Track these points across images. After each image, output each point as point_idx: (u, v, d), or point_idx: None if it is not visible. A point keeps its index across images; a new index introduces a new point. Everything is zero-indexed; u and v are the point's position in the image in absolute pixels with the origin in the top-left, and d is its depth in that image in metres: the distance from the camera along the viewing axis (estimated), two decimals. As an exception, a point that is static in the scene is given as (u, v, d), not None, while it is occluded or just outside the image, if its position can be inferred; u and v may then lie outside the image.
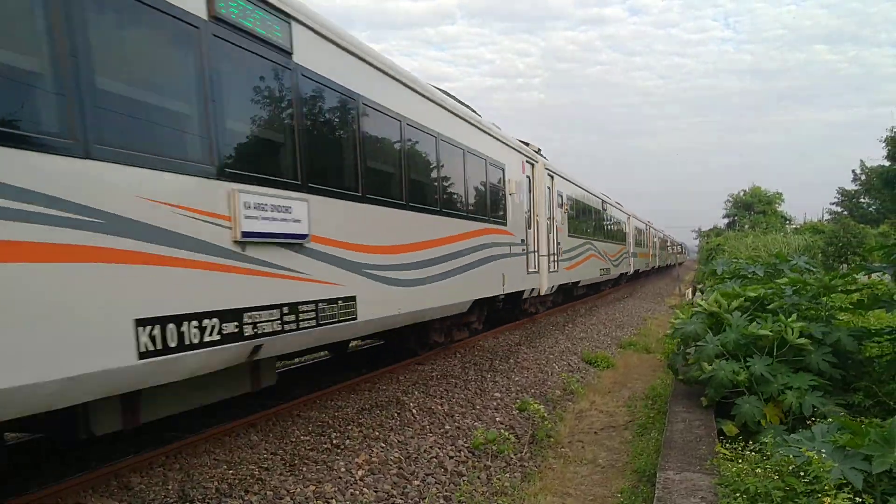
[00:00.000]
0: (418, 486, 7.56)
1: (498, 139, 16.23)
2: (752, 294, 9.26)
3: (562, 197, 22.59)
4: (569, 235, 23.50)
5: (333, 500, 6.89)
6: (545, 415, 9.98)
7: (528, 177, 18.69)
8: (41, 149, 4.96)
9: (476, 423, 9.97)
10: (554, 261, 21.12)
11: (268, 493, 6.82)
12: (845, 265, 30.33)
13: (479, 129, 14.81)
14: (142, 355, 5.69)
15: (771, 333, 7.79)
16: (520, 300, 18.81)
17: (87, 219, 5.25)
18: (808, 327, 7.81)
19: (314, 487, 7.06)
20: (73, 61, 5.23)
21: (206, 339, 6.43)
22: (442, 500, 7.31)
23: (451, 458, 8.56)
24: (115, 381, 5.58)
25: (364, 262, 9.46)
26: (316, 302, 8.23)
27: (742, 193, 62.67)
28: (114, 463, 7.36)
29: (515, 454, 8.90)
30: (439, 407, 10.46)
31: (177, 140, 6.38)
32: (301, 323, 7.94)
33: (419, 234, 11.41)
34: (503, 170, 16.31)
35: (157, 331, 5.85)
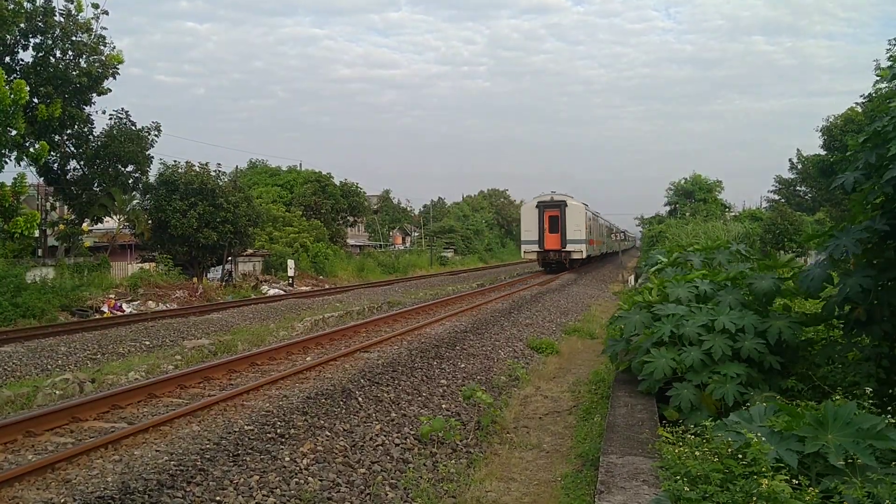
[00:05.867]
0: (364, 473, 7.54)
1: (589, 213, 44.99)
2: (688, 292, 9.15)
3: (583, 215, 43.50)
4: (577, 237, 42.68)
5: (278, 490, 6.83)
6: (491, 401, 10.04)
7: (589, 215, 45.76)
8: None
9: (422, 411, 9.97)
10: (581, 245, 42.93)
11: (210, 483, 6.72)
12: (782, 251, 31.11)
13: (601, 218, 52.72)
14: None
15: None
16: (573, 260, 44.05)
17: None
18: (740, 317, 7.94)
19: (258, 477, 6.99)
20: None
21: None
22: (388, 488, 7.30)
23: (397, 445, 8.55)
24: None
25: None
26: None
27: (683, 181, 63.62)
28: (50, 455, 7.17)
29: (461, 440, 8.93)
30: (386, 395, 10.43)
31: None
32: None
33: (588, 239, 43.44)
34: (593, 220, 47.07)
35: None
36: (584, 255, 42.73)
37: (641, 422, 7.25)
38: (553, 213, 41.75)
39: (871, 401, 5.70)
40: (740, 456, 4.82)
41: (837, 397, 5.93)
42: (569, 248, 41.47)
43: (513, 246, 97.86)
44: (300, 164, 59.33)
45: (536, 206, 42.40)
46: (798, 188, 61.54)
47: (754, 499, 4.19)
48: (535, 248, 42.38)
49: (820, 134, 47.00)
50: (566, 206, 41.56)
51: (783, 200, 57.41)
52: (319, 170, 53.39)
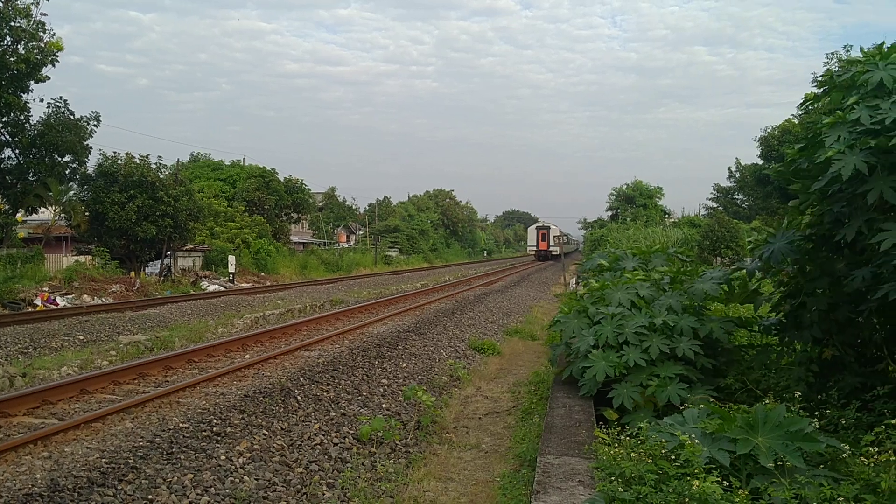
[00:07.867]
0: (301, 473, 7.47)
1: (559, 231, 74.98)
2: (626, 296, 9.23)
3: (556, 233, 74.42)
4: (554, 243, 72.41)
5: (212, 489, 6.72)
6: (431, 401, 10.04)
7: (559, 232, 73.89)
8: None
9: (362, 410, 9.93)
10: (556, 248, 67.61)
11: (143, 481, 6.58)
12: (719, 257, 31.84)
13: (562, 232, 74.90)
14: None
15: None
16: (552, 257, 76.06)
17: None
18: (678, 319, 8.06)
19: (192, 476, 6.86)
20: None
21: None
22: (325, 488, 7.25)
23: (335, 444, 8.50)
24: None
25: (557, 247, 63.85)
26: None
27: (625, 187, 64.64)
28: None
29: (401, 440, 8.92)
30: (325, 394, 10.36)
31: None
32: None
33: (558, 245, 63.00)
34: (559, 236, 68.02)
35: None
36: (557, 253, 71.76)
37: (579, 423, 7.33)
38: (543, 232, 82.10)
39: (800, 404, 5.86)
40: (674, 457, 4.91)
41: (768, 401, 6.08)
42: (551, 249, 77.82)
43: (458, 246, 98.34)
44: (244, 159, 58.46)
45: (536, 228, 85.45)
46: (735, 196, 63.03)
47: (686, 499, 4.27)
48: (535, 248, 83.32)
49: (758, 144, 48.25)
50: (549, 228, 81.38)
51: (721, 208, 58.73)
52: (264, 165, 52.72)
